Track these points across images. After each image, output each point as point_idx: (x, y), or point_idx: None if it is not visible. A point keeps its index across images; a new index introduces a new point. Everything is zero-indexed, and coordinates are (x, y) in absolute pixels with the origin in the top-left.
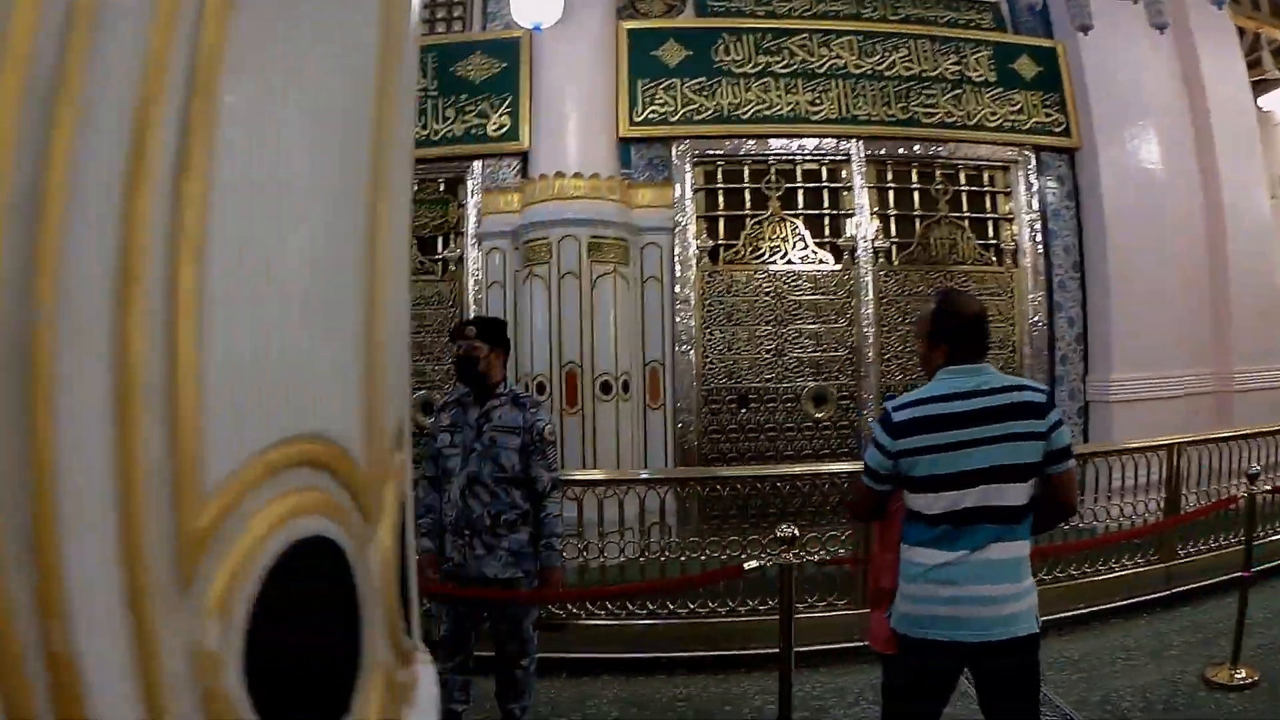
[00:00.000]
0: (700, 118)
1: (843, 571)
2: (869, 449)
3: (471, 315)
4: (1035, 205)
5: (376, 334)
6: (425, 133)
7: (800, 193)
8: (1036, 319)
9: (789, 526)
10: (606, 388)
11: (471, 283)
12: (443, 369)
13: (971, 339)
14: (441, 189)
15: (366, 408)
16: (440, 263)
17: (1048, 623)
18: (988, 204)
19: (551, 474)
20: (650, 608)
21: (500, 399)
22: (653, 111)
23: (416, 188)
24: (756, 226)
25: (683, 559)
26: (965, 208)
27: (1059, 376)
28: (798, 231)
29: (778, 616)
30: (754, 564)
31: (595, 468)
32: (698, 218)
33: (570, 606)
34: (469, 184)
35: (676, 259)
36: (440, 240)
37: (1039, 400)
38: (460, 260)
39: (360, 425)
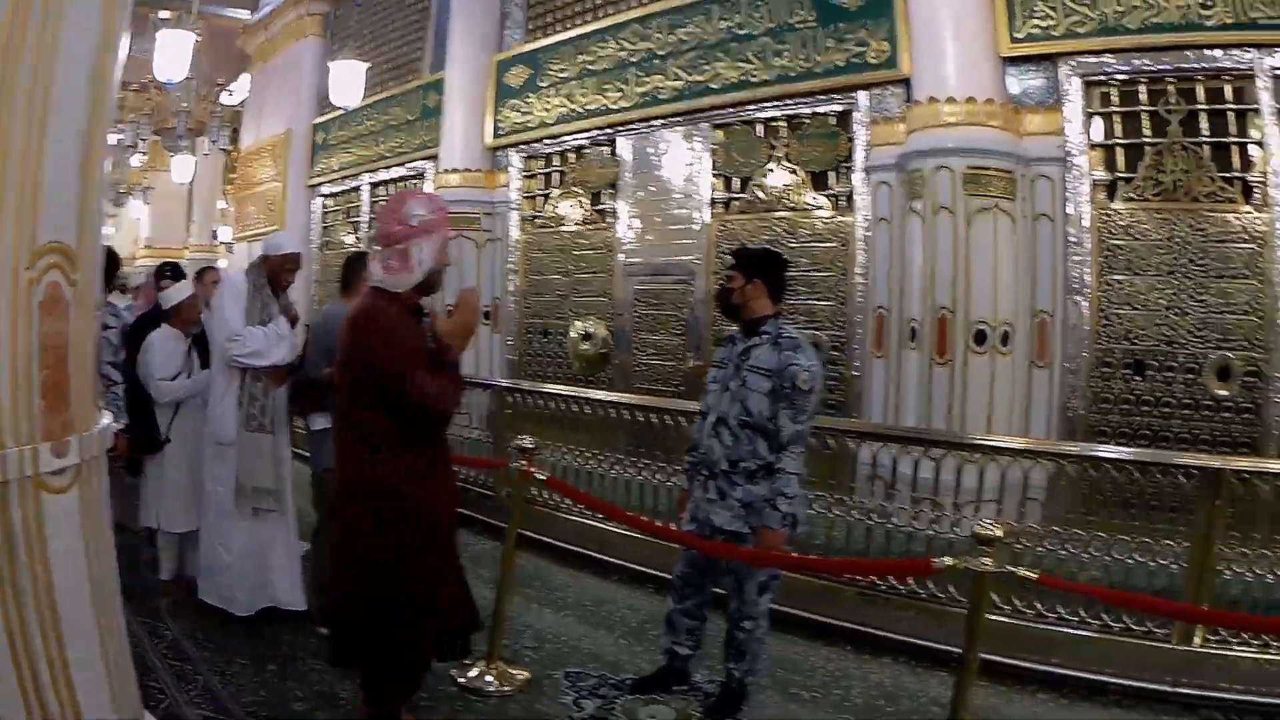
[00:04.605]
0: (1084, 30)
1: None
2: None
3: (859, 255)
4: None
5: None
6: (808, 65)
7: (1203, 116)
8: None
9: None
10: (981, 338)
11: (860, 219)
12: (829, 307)
13: None
14: (833, 122)
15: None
16: (831, 197)
17: None
18: None
19: (797, 426)
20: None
21: (762, 337)
22: (1034, 26)
23: (807, 121)
24: (1156, 157)
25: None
26: None
27: None
28: (1202, 163)
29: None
30: (948, 561)
31: (961, 429)
32: (1089, 146)
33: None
34: (856, 115)
35: (1068, 194)
36: (833, 175)
37: None
38: (850, 196)
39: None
